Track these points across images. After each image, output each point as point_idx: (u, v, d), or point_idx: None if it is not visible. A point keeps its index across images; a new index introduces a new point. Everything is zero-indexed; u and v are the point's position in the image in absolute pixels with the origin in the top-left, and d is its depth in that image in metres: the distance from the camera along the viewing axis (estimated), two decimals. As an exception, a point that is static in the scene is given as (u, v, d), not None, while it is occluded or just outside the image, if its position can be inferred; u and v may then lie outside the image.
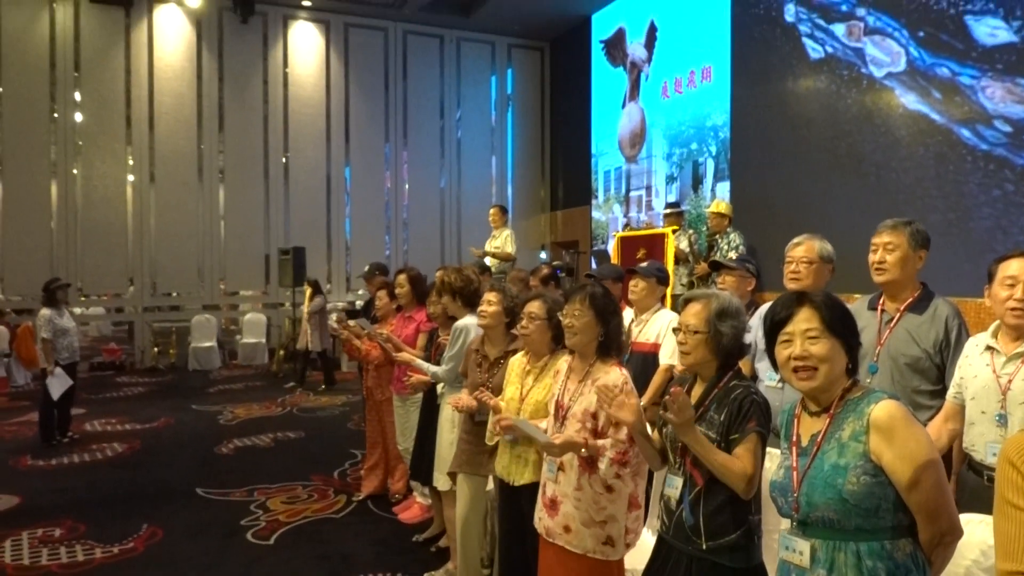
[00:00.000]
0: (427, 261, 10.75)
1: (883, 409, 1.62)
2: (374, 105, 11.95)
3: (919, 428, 1.61)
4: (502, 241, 7.90)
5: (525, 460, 2.82)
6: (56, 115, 10.39)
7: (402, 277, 4.67)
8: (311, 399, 8.48)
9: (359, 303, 11.26)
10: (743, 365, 2.66)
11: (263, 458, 5.97)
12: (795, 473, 1.70)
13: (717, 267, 3.92)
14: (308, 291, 9.56)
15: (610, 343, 2.53)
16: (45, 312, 6.41)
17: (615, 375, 2.46)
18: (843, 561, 1.60)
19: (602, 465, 2.36)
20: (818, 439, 1.70)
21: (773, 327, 1.77)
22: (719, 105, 8.68)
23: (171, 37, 10.90)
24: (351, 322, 4.98)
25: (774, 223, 7.59)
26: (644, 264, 4.06)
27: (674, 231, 7.68)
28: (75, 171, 10.48)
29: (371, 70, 11.91)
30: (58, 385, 6.36)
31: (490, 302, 3.24)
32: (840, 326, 1.71)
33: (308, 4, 11.43)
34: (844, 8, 7.04)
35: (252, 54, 11.26)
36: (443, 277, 3.74)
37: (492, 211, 8.17)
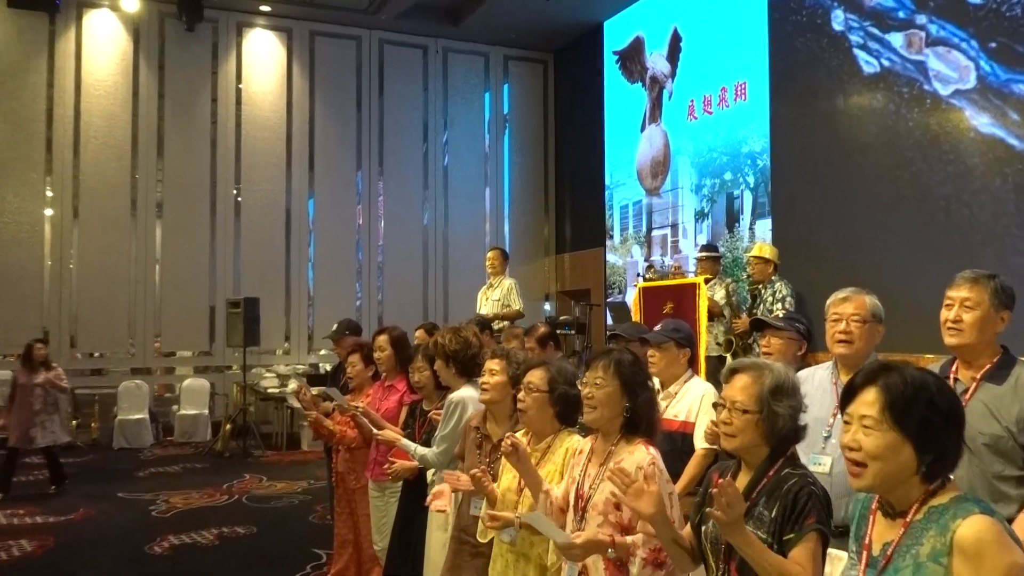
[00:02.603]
0: (407, 315, 10.78)
1: (971, 527, 1.58)
2: (344, 127, 12.16)
3: (1016, 555, 1.56)
4: (503, 293, 7.95)
5: (527, 561, 2.81)
6: (-38, 140, 10.55)
7: (383, 339, 4.70)
8: (264, 485, 8.42)
9: (325, 367, 11.25)
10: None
11: (206, 559, 5.90)
12: (862, 587, 1.69)
13: (760, 326, 3.94)
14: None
15: (639, 420, 2.56)
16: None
17: (639, 455, 2.48)
18: None
19: (633, 569, 2.37)
20: (889, 551, 1.69)
21: (845, 399, 1.78)
22: (757, 128, 8.86)
23: (103, 47, 11.14)
24: (316, 391, 5.00)
25: (823, 269, 7.67)
26: (657, 328, 4.04)
27: (708, 280, 7.71)
28: (-17, 207, 10.60)
29: (341, 86, 12.15)
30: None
31: (493, 371, 3.27)
32: (909, 420, 1.65)
33: (267, 9, 11.70)
34: (902, 15, 7.24)
35: (199, 67, 11.50)
36: (437, 339, 3.79)
37: (490, 256, 8.23)
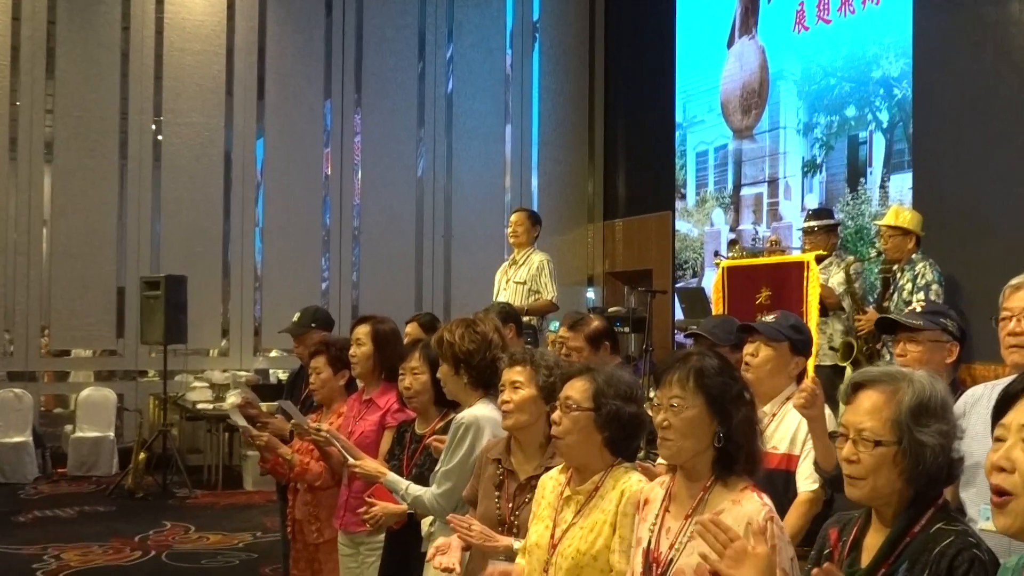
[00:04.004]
0: (392, 302, 10.74)
1: None
2: (308, 38, 12.15)
3: None
4: (531, 274, 7.96)
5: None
6: None
7: (363, 330, 4.70)
8: (192, 537, 8.47)
9: (279, 374, 11.28)
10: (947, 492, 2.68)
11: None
12: None
13: (890, 327, 3.94)
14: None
15: (735, 451, 2.56)
16: None
17: (750, 505, 2.49)
18: None
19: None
20: None
21: (998, 413, 1.82)
22: (894, 42, 8.76)
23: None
24: (265, 407, 5.02)
25: (986, 245, 7.61)
26: (769, 318, 4.08)
27: (820, 258, 7.69)
28: None
29: (303, -20, 12.18)
30: None
31: (516, 384, 3.28)
32: None
33: None
34: None
35: (105, -47, 11.51)
36: (443, 335, 3.81)
37: (515, 220, 8.24)
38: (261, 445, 4.97)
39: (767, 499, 2.53)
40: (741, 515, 2.45)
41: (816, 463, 3.65)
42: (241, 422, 5.30)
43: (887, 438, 2.13)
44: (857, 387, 2.24)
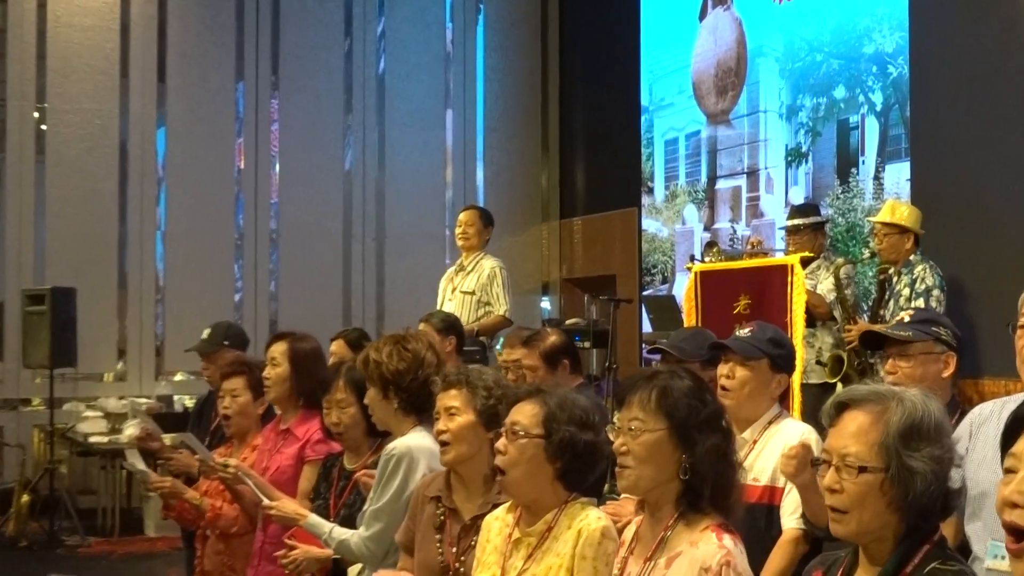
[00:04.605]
0: (317, 316, 10.78)
1: None
2: (215, 12, 12.08)
3: None
4: (481, 283, 7.99)
5: None
6: None
7: (279, 350, 4.72)
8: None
9: (185, 401, 11.21)
10: (944, 527, 2.71)
11: None
12: None
13: (875, 342, 4.03)
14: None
15: (700, 484, 2.58)
16: None
17: (706, 548, 2.51)
18: None
19: None
20: None
21: (1008, 439, 1.84)
22: (888, 14, 8.84)
23: None
24: (168, 439, 4.99)
25: (994, 245, 7.69)
26: (744, 331, 4.13)
27: (806, 260, 7.74)
28: None
29: (210, -57, 12.13)
30: None
31: (451, 409, 3.29)
32: None
33: None
34: None
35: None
36: (369, 355, 3.81)
37: (464, 219, 8.29)
38: (164, 493, 4.95)
39: (729, 540, 2.54)
40: (695, 559, 2.48)
41: (805, 517, 3.68)
42: (140, 465, 5.27)
43: (873, 464, 2.15)
44: (841, 407, 2.26)
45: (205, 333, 6.01)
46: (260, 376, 4.88)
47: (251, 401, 4.94)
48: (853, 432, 2.19)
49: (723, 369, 4.02)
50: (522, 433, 2.92)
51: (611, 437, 2.68)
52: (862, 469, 2.15)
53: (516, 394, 3.09)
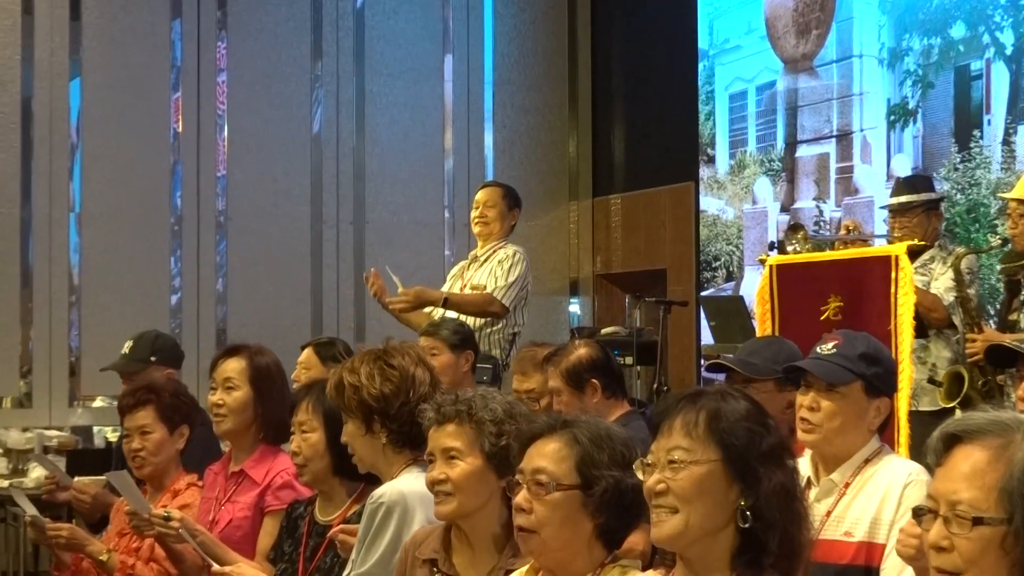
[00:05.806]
0: (278, 322, 10.88)
1: None
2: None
3: None
4: (499, 275, 8.03)
5: None
6: None
7: (235, 366, 4.82)
8: None
9: (106, 433, 11.32)
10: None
11: None
12: None
13: (1005, 359, 4.14)
14: None
15: (766, 534, 2.55)
16: None
17: None
18: None
19: None
20: None
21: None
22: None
23: None
24: (89, 481, 5.13)
25: None
26: (828, 346, 4.15)
27: (916, 250, 7.79)
28: None
29: None
30: None
31: (451, 451, 3.27)
32: None
33: None
34: None
35: None
36: (343, 375, 3.87)
37: (483, 199, 8.38)
38: (60, 543, 4.97)
39: None
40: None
41: None
42: (30, 509, 5.21)
43: (992, 514, 2.12)
44: (952, 441, 2.24)
45: (126, 347, 6.06)
46: (173, 401, 5.00)
47: (167, 435, 4.99)
48: (966, 473, 2.17)
49: (804, 399, 4.03)
50: (551, 484, 2.86)
51: (640, 476, 2.64)
52: (977, 521, 2.13)
53: (532, 429, 3.04)
